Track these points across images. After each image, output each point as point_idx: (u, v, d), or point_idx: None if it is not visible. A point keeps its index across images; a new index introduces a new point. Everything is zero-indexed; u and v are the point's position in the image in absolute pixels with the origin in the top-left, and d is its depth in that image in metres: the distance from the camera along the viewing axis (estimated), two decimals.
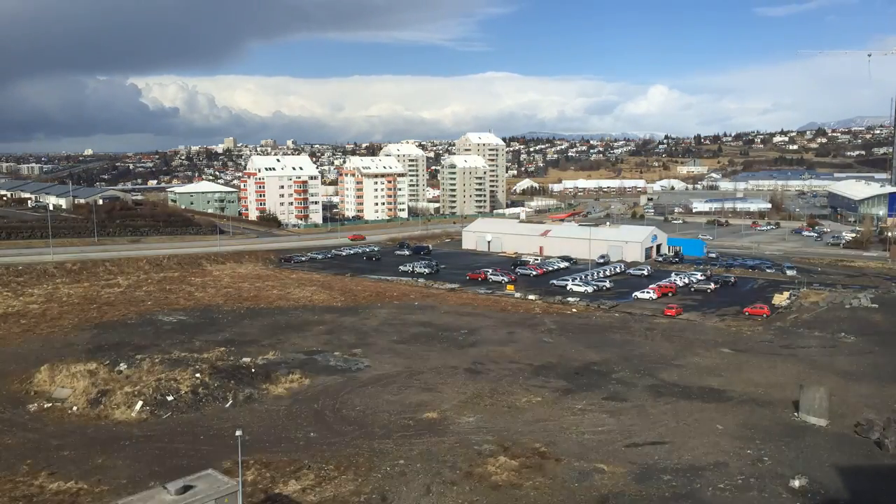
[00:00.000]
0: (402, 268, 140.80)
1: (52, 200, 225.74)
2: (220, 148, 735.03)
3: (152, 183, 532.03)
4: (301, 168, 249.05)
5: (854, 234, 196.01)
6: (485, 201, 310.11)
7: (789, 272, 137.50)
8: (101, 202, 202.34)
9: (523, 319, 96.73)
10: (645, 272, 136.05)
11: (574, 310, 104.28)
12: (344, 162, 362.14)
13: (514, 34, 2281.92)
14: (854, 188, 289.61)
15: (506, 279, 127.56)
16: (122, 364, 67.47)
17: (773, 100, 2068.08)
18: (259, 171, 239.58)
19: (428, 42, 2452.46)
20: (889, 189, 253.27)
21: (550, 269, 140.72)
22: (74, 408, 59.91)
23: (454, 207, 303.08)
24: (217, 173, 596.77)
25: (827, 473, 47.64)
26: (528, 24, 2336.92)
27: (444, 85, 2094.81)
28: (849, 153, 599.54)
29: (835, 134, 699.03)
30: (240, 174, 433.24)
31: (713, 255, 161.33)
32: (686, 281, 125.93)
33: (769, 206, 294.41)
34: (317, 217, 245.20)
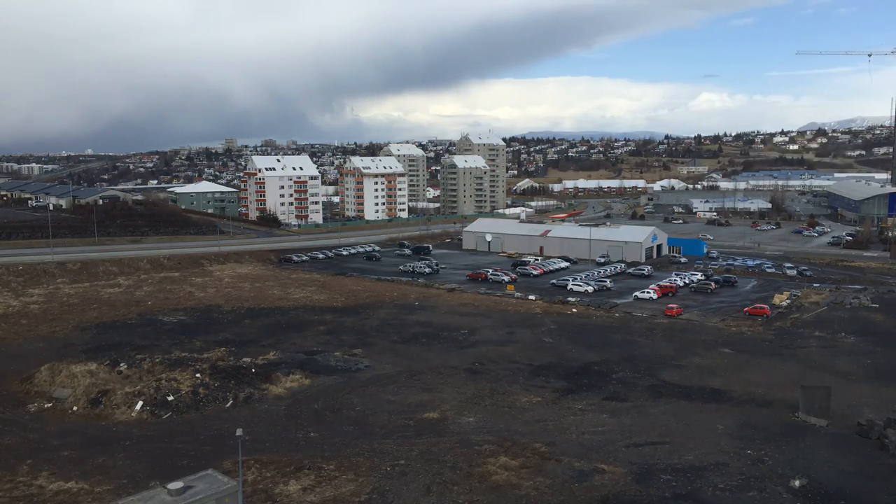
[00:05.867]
0: (402, 268, 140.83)
1: (52, 200, 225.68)
2: (220, 148, 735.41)
3: (152, 183, 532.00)
4: (301, 168, 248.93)
5: (854, 235, 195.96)
6: (485, 201, 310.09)
7: (789, 272, 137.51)
8: (101, 202, 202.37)
9: (523, 319, 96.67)
10: (645, 272, 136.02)
11: (574, 310, 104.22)
12: (344, 162, 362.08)
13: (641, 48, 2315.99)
14: (854, 188, 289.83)
15: (506, 279, 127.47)
16: (122, 364, 67.44)
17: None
18: (259, 171, 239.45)
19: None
20: (889, 189, 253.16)
21: (551, 269, 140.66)
22: (74, 408, 59.93)
23: (454, 207, 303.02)
24: (217, 173, 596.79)
25: (827, 473, 47.60)
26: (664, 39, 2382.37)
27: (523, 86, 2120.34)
28: (849, 153, 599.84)
29: (835, 134, 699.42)
30: (240, 174, 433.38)
31: (714, 255, 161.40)
32: (686, 281, 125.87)
33: (769, 205, 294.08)
34: (317, 217, 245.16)
